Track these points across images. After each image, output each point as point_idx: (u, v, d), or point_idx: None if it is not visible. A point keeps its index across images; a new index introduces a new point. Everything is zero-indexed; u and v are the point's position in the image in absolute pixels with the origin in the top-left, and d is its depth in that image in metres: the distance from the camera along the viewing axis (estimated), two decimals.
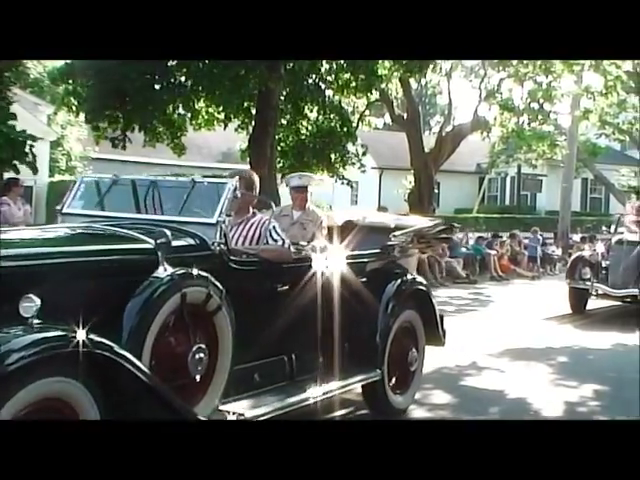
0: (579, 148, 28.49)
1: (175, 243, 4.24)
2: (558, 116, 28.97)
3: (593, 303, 12.70)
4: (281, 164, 19.13)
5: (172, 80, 15.71)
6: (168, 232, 4.16)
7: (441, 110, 50.49)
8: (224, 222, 4.56)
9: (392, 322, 5.73)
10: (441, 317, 6.47)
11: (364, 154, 20.98)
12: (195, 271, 4.08)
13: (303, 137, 19.42)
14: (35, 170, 12.64)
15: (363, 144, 21.13)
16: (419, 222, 6.83)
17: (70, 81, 15.84)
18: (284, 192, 19.56)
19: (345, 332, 5.43)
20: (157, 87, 15.37)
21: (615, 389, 7.25)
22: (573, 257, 13.44)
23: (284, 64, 16.17)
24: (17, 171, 12.11)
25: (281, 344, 4.96)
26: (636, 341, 9.61)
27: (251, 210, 5.32)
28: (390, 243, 6.17)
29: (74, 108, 16.81)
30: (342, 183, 20.91)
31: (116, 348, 3.47)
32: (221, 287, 4.19)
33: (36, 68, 25.64)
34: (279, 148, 18.56)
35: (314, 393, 4.92)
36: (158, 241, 4.10)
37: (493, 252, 19.51)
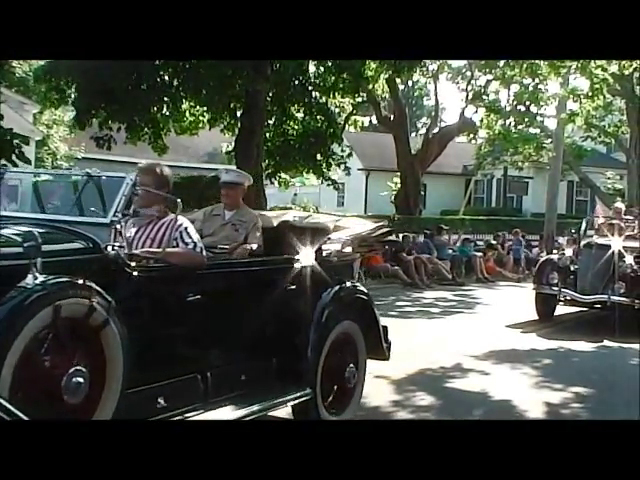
0: (565, 151, 28.61)
1: (58, 247, 3.82)
2: (544, 119, 29.18)
3: (562, 309, 12.12)
4: (267, 165, 19.11)
5: (158, 80, 15.67)
6: (37, 233, 3.57)
7: (428, 112, 50.66)
8: (120, 222, 4.01)
9: (326, 334, 5.17)
10: (385, 328, 5.93)
11: (349, 155, 20.99)
12: (75, 280, 3.50)
13: (289, 138, 19.41)
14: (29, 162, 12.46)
15: (348, 145, 21.15)
16: (360, 224, 6.25)
17: (52, 79, 15.77)
18: (271, 193, 19.55)
19: (272, 346, 4.97)
20: (143, 87, 15.32)
21: (599, 391, 7.27)
22: (541, 261, 12.89)
23: (271, 65, 16.17)
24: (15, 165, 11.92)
25: (193, 361, 4.41)
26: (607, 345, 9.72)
27: (162, 209, 4.70)
28: (326, 247, 5.60)
29: (56, 102, 16.78)
30: (328, 185, 20.92)
31: None
32: (109, 298, 3.63)
33: (22, 67, 25.48)
34: (265, 149, 18.54)
35: (232, 415, 4.39)
36: (26, 244, 3.51)
37: (479, 254, 19.56)
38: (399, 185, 26.39)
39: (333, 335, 5.26)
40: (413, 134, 35.83)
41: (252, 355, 4.87)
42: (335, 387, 5.37)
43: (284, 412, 5.19)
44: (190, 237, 4.54)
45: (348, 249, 5.90)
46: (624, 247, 11.30)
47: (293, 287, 5.15)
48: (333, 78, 17.98)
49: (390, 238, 6.92)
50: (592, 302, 11.25)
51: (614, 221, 12.45)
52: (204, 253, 4.57)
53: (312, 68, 18.47)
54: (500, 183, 35.01)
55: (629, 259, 11.09)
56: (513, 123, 27.80)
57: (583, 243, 11.89)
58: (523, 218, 30.69)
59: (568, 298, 11.35)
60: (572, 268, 11.49)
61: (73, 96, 16.03)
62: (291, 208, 20.67)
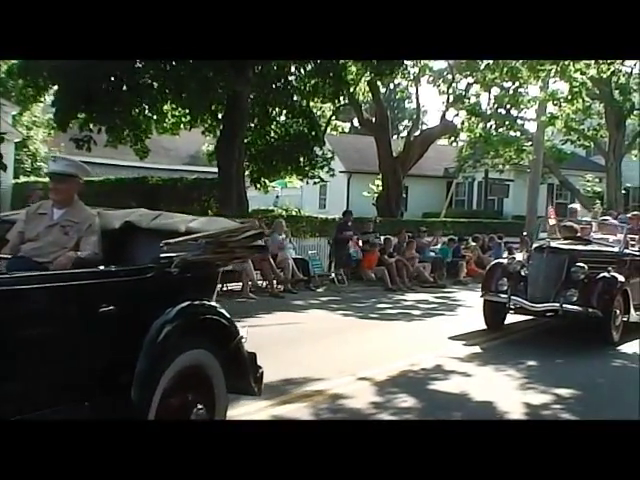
0: (545, 154, 28.83)
1: None
2: (524, 122, 29.42)
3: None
4: (250, 167, 19.11)
5: (139, 82, 15.63)
6: None
7: (409, 115, 50.77)
8: None
9: (163, 367, 4.02)
10: (252, 356, 4.79)
11: (331, 159, 21.04)
12: None
13: (272, 140, 19.42)
14: (4, 168, 12.37)
15: (330, 150, 21.19)
16: (220, 226, 4.96)
17: (28, 77, 15.69)
18: (252, 196, 19.51)
19: (89, 383, 3.77)
20: (124, 88, 15.27)
21: (583, 393, 7.32)
22: (490, 266, 11.71)
23: (252, 67, 16.16)
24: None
25: None
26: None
27: None
28: (165, 255, 4.26)
29: (32, 99, 16.70)
30: (315, 183, 20.93)
31: None
32: None
33: (0, 67, 25.29)
34: (248, 152, 18.54)
35: None
36: None
37: (462, 259, 19.64)
38: (381, 187, 26.45)
39: (174, 368, 4.11)
40: (395, 137, 35.89)
41: (62, 395, 3.65)
42: None
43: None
44: None
45: (201, 257, 4.52)
46: (578, 251, 10.51)
47: (118, 307, 3.89)
48: (314, 81, 18.02)
49: (259, 243, 5.04)
50: (543, 310, 10.31)
51: (568, 223, 11.83)
52: None
53: (293, 71, 18.52)
54: (481, 186, 35.16)
55: (582, 264, 10.12)
56: (494, 126, 28.00)
57: (535, 246, 10.92)
58: (504, 220, 30.84)
59: (518, 306, 10.37)
60: (523, 273, 10.56)
61: (52, 95, 15.95)
62: (273, 211, 20.68)
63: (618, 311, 10.09)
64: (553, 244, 10.65)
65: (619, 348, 9.77)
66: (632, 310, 10.41)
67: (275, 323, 10.95)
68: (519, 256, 11.49)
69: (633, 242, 11.70)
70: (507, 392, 7.16)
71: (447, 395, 6.95)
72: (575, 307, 9.88)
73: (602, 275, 10.08)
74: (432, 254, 19.13)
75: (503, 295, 10.38)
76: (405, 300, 14.81)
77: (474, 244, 20.73)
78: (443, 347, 9.41)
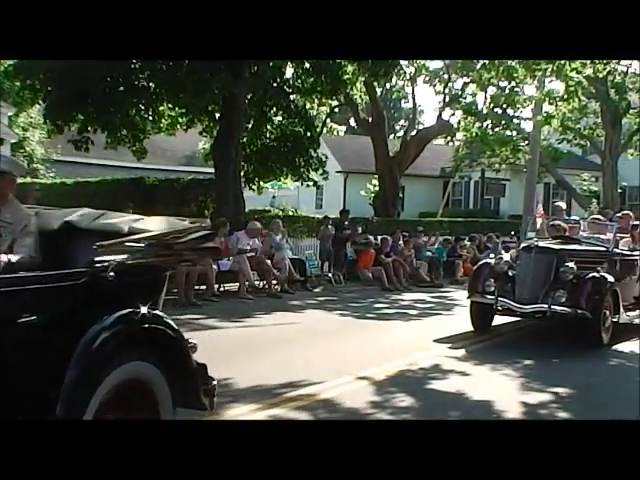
0: (541, 153, 28.85)
1: None
2: (521, 121, 29.44)
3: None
4: (247, 170, 19.10)
5: (135, 83, 15.61)
6: None
7: (406, 114, 50.83)
8: None
9: (96, 381, 3.67)
10: (202, 368, 4.38)
11: (325, 162, 21.00)
12: None
13: (267, 141, 19.40)
14: None
15: (324, 154, 21.14)
16: (167, 225, 4.56)
17: (26, 78, 15.65)
18: (249, 196, 19.52)
19: (13, 401, 3.38)
20: (120, 89, 15.24)
21: (579, 392, 7.34)
22: (477, 266, 11.35)
23: (249, 68, 16.16)
24: None
25: None
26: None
27: None
28: (100, 258, 3.89)
29: (29, 101, 16.67)
30: (308, 186, 20.92)
31: None
32: None
33: None
34: (244, 153, 18.53)
35: None
36: None
37: (459, 259, 19.66)
38: (377, 187, 26.47)
39: (111, 382, 3.77)
40: (391, 136, 35.87)
41: None
42: None
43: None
44: None
45: (142, 260, 4.14)
46: (566, 250, 10.20)
47: (43, 316, 3.53)
48: (311, 80, 18.01)
49: (210, 244, 4.67)
50: (531, 312, 9.94)
51: (556, 222, 11.48)
52: None
53: (290, 71, 18.51)
54: (477, 185, 35.21)
55: (571, 264, 9.84)
56: (490, 125, 28.03)
57: (522, 246, 10.63)
58: (500, 220, 30.86)
59: (505, 307, 10.04)
60: (510, 274, 10.24)
61: (48, 98, 15.89)
62: (269, 211, 20.67)
63: (608, 312, 9.78)
64: (541, 244, 10.36)
65: (615, 347, 9.77)
66: (622, 311, 10.13)
67: (272, 323, 10.96)
68: (506, 256, 11.02)
69: (629, 241, 11.52)
70: (505, 391, 7.16)
71: (445, 394, 6.96)
72: (564, 308, 9.59)
73: (591, 275, 9.82)
74: (429, 254, 19.15)
75: (490, 296, 10.05)
76: (402, 300, 14.82)
77: (469, 243, 20.74)
78: (440, 346, 9.42)
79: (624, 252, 11.08)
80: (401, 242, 18.39)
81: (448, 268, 19.31)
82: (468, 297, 10.64)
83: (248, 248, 14.24)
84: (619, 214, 14.27)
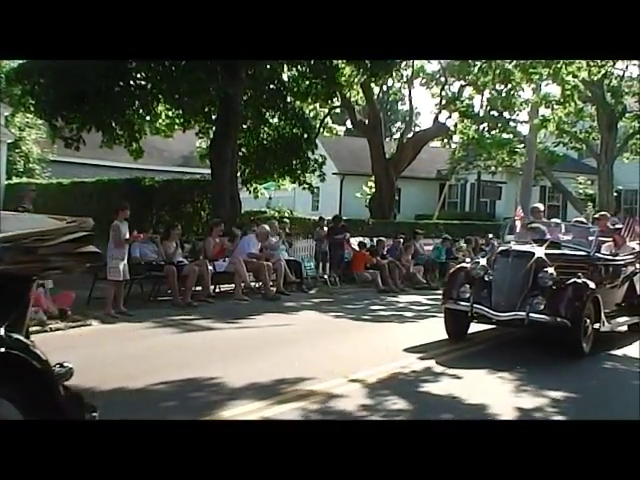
0: (537, 156, 28.93)
1: None
2: (517, 124, 29.49)
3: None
4: (242, 172, 19.10)
5: (131, 83, 15.61)
6: None
7: (402, 116, 50.94)
8: None
9: None
10: (74, 399, 3.61)
11: (323, 164, 21.03)
12: None
13: (264, 142, 19.42)
14: None
15: (322, 155, 21.17)
16: (32, 225, 3.76)
17: (26, 82, 15.62)
18: (245, 197, 19.51)
19: None
20: (116, 89, 15.23)
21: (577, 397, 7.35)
22: (451, 271, 10.85)
23: (245, 69, 16.17)
24: None
25: None
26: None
27: None
28: None
29: (31, 108, 16.64)
30: (303, 188, 20.93)
31: None
32: None
33: None
34: (240, 153, 18.53)
35: None
36: None
37: (452, 259, 19.67)
38: (374, 189, 26.49)
39: None
40: (388, 139, 35.95)
41: None
42: None
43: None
44: None
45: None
46: (545, 255, 9.55)
47: None
48: (307, 82, 18.03)
49: (89, 249, 3.77)
50: (508, 320, 9.30)
51: (534, 224, 10.99)
52: None
53: (286, 73, 18.53)
54: (474, 188, 35.24)
55: (550, 269, 9.29)
56: (486, 128, 28.09)
57: (499, 250, 10.00)
58: (496, 222, 30.88)
59: (481, 314, 9.45)
60: (487, 279, 9.62)
61: (45, 97, 15.88)
62: (265, 212, 20.67)
63: (588, 320, 9.18)
64: (518, 247, 9.85)
65: (595, 356, 9.55)
66: (604, 319, 9.52)
67: (268, 325, 10.96)
68: (483, 260, 10.21)
69: (611, 246, 11.03)
70: (498, 394, 7.16)
71: (438, 397, 6.95)
72: (542, 316, 9.00)
73: (571, 281, 9.24)
74: (425, 256, 19.17)
75: (465, 303, 9.47)
76: (397, 302, 14.83)
77: (464, 245, 20.74)
78: (435, 349, 9.40)
79: (606, 257, 10.58)
80: (401, 246, 18.44)
81: (444, 270, 19.31)
82: (442, 304, 10.09)
83: (257, 252, 14.52)
84: (596, 215, 13.80)
